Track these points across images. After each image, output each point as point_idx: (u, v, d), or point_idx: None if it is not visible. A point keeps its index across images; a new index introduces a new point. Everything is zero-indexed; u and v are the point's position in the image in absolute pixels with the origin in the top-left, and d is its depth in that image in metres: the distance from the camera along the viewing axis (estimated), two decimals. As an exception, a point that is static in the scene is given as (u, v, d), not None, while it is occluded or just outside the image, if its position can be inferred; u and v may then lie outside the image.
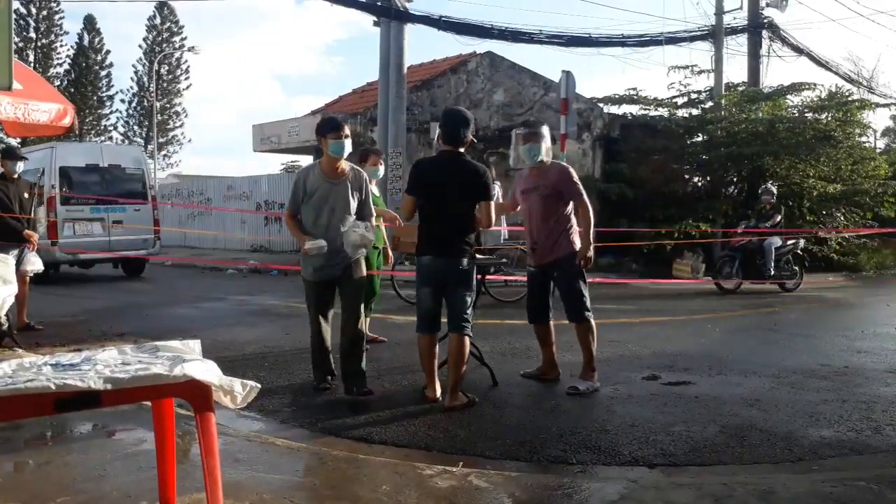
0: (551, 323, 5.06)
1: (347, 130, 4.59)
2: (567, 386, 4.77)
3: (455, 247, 4.32)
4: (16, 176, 6.78)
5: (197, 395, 2.18)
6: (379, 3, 15.08)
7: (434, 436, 3.81)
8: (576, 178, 4.97)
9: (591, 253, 4.88)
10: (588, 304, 4.90)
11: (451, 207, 4.33)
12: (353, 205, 4.63)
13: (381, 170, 6.24)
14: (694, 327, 7.68)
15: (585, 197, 4.96)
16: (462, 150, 4.41)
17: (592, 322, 4.90)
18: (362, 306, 4.72)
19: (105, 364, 2.20)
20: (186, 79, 47.32)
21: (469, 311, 4.40)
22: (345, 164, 4.65)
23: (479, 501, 2.88)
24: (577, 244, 4.92)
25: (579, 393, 4.65)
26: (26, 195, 6.84)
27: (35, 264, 6.67)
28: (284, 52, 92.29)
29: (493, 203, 4.43)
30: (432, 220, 4.38)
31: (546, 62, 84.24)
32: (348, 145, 4.57)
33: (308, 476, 3.18)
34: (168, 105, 46.33)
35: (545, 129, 4.98)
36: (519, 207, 5.20)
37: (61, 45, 43.37)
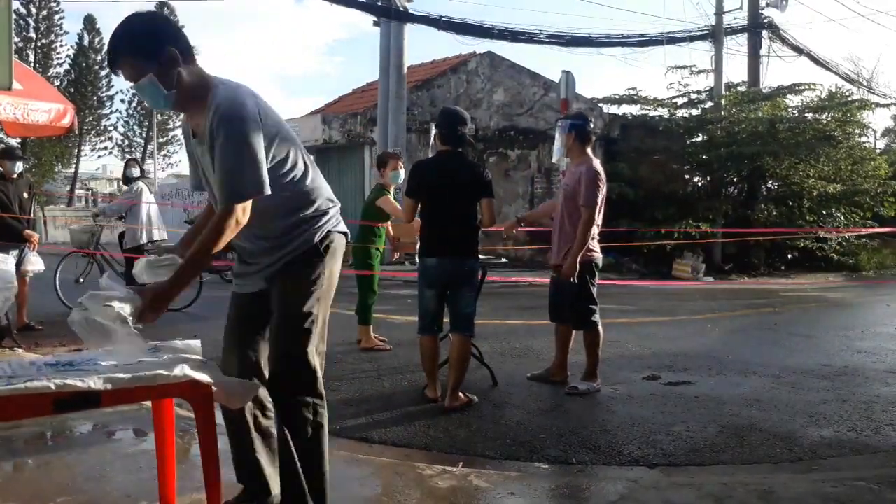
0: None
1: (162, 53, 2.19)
2: (567, 386, 4.76)
3: (460, 247, 4.29)
4: (15, 176, 6.77)
5: (197, 394, 2.18)
6: (379, 3, 15.09)
7: (434, 436, 3.81)
8: (598, 183, 4.62)
9: (572, 272, 4.56)
10: (595, 310, 4.75)
11: (455, 208, 4.30)
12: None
13: (402, 173, 6.11)
14: (694, 327, 7.68)
15: (595, 207, 4.61)
16: (460, 149, 4.40)
17: (600, 329, 4.77)
18: (309, 349, 2.40)
19: (105, 364, 2.20)
20: (187, 79, 47.28)
21: (473, 313, 4.37)
22: (209, 102, 2.26)
23: (479, 501, 2.88)
24: (591, 252, 4.71)
25: (579, 393, 4.64)
26: (25, 195, 6.83)
27: (36, 264, 6.66)
28: (284, 52, 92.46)
29: (493, 200, 4.40)
30: (436, 221, 4.35)
31: (546, 62, 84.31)
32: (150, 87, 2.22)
33: (308, 476, 3.17)
34: (168, 105, 46.26)
35: (564, 124, 4.82)
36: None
37: (61, 45, 43.33)
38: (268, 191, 2.23)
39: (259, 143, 2.22)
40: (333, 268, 2.51)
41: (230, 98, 2.22)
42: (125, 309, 2.10)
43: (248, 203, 2.23)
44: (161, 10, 44.65)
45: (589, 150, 4.86)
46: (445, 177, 4.33)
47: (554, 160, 5.08)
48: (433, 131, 4.54)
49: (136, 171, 8.55)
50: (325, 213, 2.49)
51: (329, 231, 2.48)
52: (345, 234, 2.58)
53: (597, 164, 4.77)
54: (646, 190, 15.80)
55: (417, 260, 4.55)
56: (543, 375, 5.03)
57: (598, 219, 4.73)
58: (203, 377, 2.15)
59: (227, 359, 2.59)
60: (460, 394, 4.32)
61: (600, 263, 4.87)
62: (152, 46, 2.20)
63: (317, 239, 2.44)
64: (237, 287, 2.60)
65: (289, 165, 2.38)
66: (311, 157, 2.56)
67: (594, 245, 4.78)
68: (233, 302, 2.62)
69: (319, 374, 2.45)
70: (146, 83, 2.22)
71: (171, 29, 2.31)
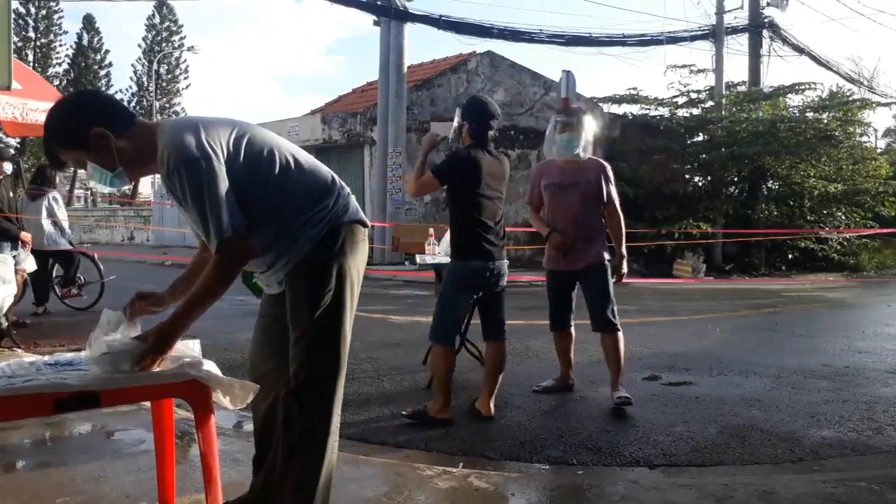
0: (572, 328, 4.75)
1: None
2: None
3: (504, 248, 4.06)
4: (2, 177, 6.71)
5: (196, 395, 2.17)
6: (379, 3, 15.10)
7: (434, 436, 3.80)
8: (612, 177, 4.64)
9: (625, 268, 4.53)
10: (614, 309, 4.54)
11: (501, 205, 4.06)
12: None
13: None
14: (694, 327, 7.68)
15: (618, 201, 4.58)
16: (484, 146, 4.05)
17: (621, 330, 4.58)
18: (333, 388, 2.29)
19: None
20: (186, 78, 47.42)
21: None
22: None
23: (479, 502, 2.88)
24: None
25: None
26: (11, 194, 6.79)
27: (28, 264, 6.65)
28: (284, 52, 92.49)
29: None
30: (488, 220, 3.94)
31: (546, 62, 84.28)
32: None
33: (308, 476, 3.16)
34: (167, 105, 46.33)
35: (587, 120, 4.62)
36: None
37: (60, 45, 43.47)
38: (243, 221, 2.09)
39: (216, 176, 2.04)
40: (349, 263, 2.28)
41: (171, 145, 2.04)
42: (124, 355, 2.04)
43: (240, 238, 2.08)
44: (160, 9, 44.82)
45: None
46: (500, 172, 4.05)
47: (555, 156, 4.73)
48: (457, 121, 4.08)
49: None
50: (325, 206, 2.25)
51: (335, 224, 2.26)
52: (360, 222, 2.33)
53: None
54: (646, 190, 15.80)
55: (451, 261, 4.04)
56: (556, 386, 4.77)
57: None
58: (202, 377, 2.14)
59: (249, 360, 2.58)
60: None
61: None
62: (76, 133, 2.07)
63: (318, 237, 2.22)
64: (265, 287, 2.49)
65: (265, 165, 2.19)
66: (308, 153, 2.38)
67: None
68: (261, 303, 2.55)
69: (337, 400, 2.29)
70: (90, 170, 2.14)
71: (89, 107, 2.14)
